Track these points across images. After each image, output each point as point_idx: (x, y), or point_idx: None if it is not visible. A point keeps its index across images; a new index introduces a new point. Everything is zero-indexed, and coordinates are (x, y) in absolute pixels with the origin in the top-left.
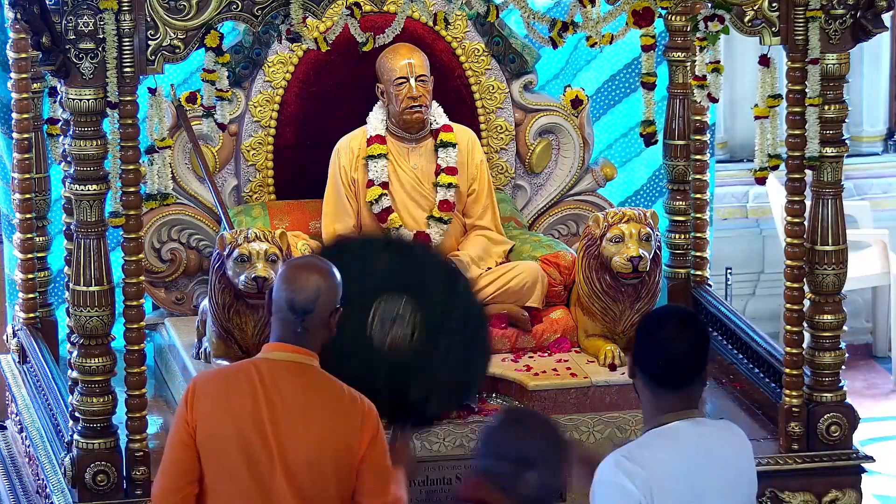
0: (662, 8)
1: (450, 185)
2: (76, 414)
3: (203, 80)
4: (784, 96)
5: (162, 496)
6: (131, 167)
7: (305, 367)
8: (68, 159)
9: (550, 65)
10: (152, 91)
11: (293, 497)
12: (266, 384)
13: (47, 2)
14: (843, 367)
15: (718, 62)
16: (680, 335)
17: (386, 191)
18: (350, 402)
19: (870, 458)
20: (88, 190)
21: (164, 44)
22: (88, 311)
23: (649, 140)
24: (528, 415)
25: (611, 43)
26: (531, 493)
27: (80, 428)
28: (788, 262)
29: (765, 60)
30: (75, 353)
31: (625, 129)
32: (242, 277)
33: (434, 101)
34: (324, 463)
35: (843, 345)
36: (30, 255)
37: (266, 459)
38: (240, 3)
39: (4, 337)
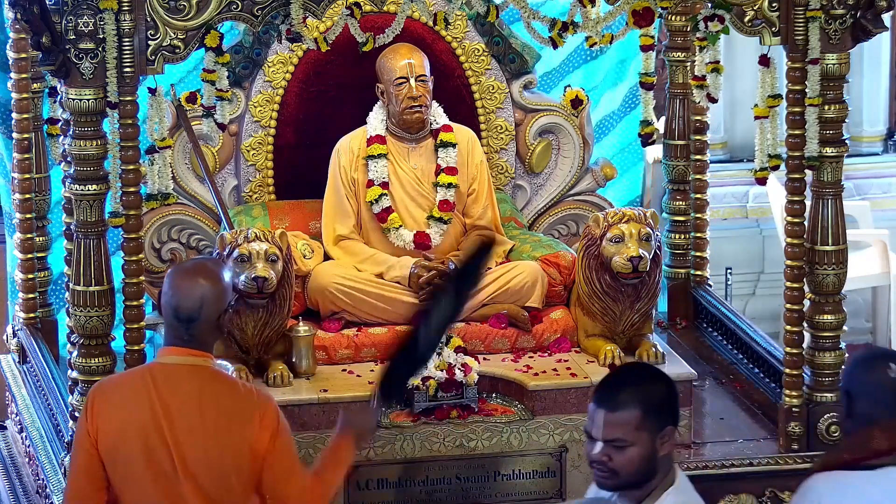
0: (662, 8)
1: (450, 185)
2: (76, 414)
3: (203, 80)
4: (784, 96)
5: None
6: (131, 167)
7: (198, 369)
8: (68, 159)
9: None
10: (152, 91)
11: (197, 498)
12: (160, 389)
13: (47, 2)
14: (843, 367)
15: (718, 62)
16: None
17: (386, 191)
18: (246, 399)
19: None
20: (88, 190)
21: (164, 44)
22: (88, 311)
23: (647, 140)
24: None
25: (611, 43)
26: None
27: None
28: (788, 262)
29: (765, 60)
30: (75, 353)
31: None
32: (242, 277)
33: (434, 101)
34: (223, 462)
35: (843, 345)
36: (30, 255)
37: (169, 463)
38: (240, 3)
39: (4, 337)
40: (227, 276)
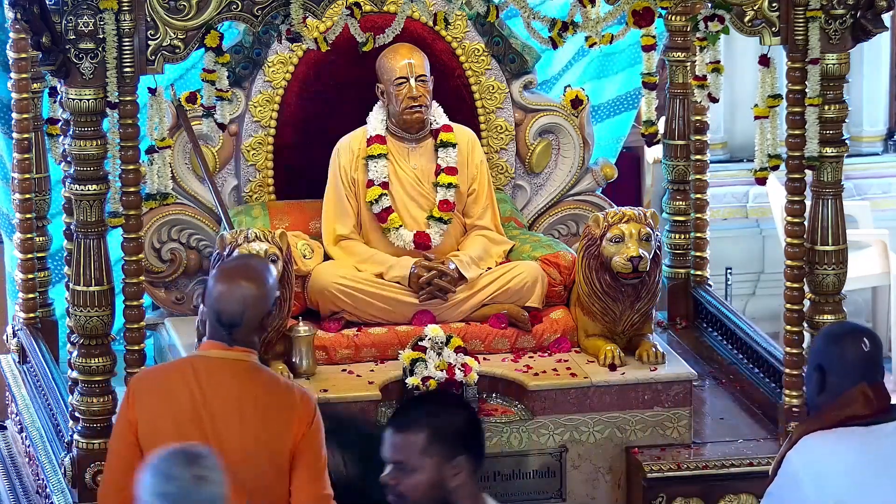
0: (662, 8)
1: (450, 185)
2: (76, 414)
3: (203, 80)
4: (784, 96)
5: (107, 495)
6: (131, 167)
7: (240, 364)
8: (68, 159)
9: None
10: (152, 91)
11: (235, 492)
12: (202, 382)
13: (47, 2)
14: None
15: (718, 62)
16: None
17: (386, 191)
18: (285, 396)
19: None
20: (88, 190)
21: (164, 44)
22: (88, 311)
23: (651, 140)
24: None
25: (611, 43)
26: None
27: (80, 428)
28: (788, 262)
29: (765, 60)
30: (75, 353)
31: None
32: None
33: (434, 101)
34: (260, 457)
35: None
36: (30, 255)
37: None
38: (240, 3)
39: (4, 337)
40: (271, 276)
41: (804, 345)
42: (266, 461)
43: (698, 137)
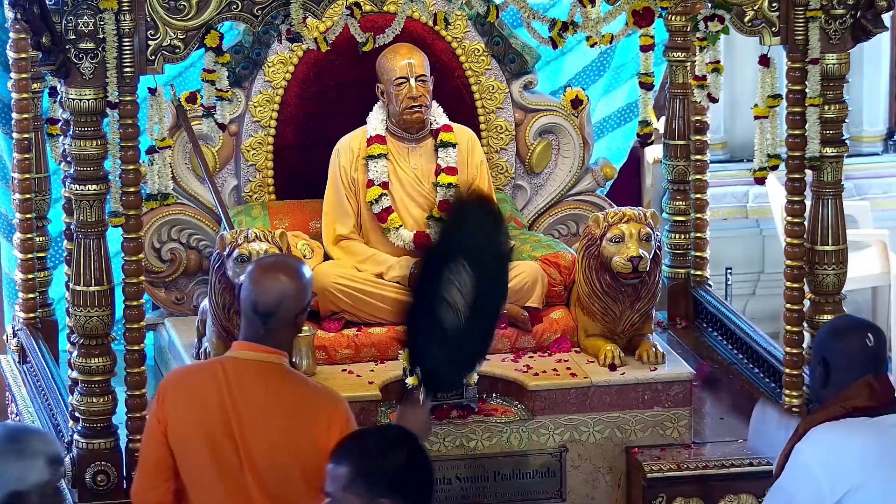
0: (662, 8)
1: (450, 185)
2: (76, 414)
3: (203, 80)
4: (784, 96)
5: (138, 494)
6: (131, 167)
7: (271, 367)
8: (68, 159)
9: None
10: (152, 91)
11: (262, 495)
12: (231, 383)
13: (47, 2)
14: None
15: (718, 62)
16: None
17: (386, 191)
18: (316, 401)
19: None
20: (88, 190)
21: (164, 44)
22: (88, 311)
23: (645, 140)
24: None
25: (611, 43)
26: None
27: (80, 428)
28: (788, 262)
29: (765, 60)
30: (75, 353)
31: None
32: (242, 277)
33: (434, 101)
34: (288, 463)
35: None
36: (30, 255)
37: (235, 458)
38: (240, 3)
39: (4, 337)
40: (308, 273)
41: (804, 345)
42: (293, 465)
43: (698, 137)
